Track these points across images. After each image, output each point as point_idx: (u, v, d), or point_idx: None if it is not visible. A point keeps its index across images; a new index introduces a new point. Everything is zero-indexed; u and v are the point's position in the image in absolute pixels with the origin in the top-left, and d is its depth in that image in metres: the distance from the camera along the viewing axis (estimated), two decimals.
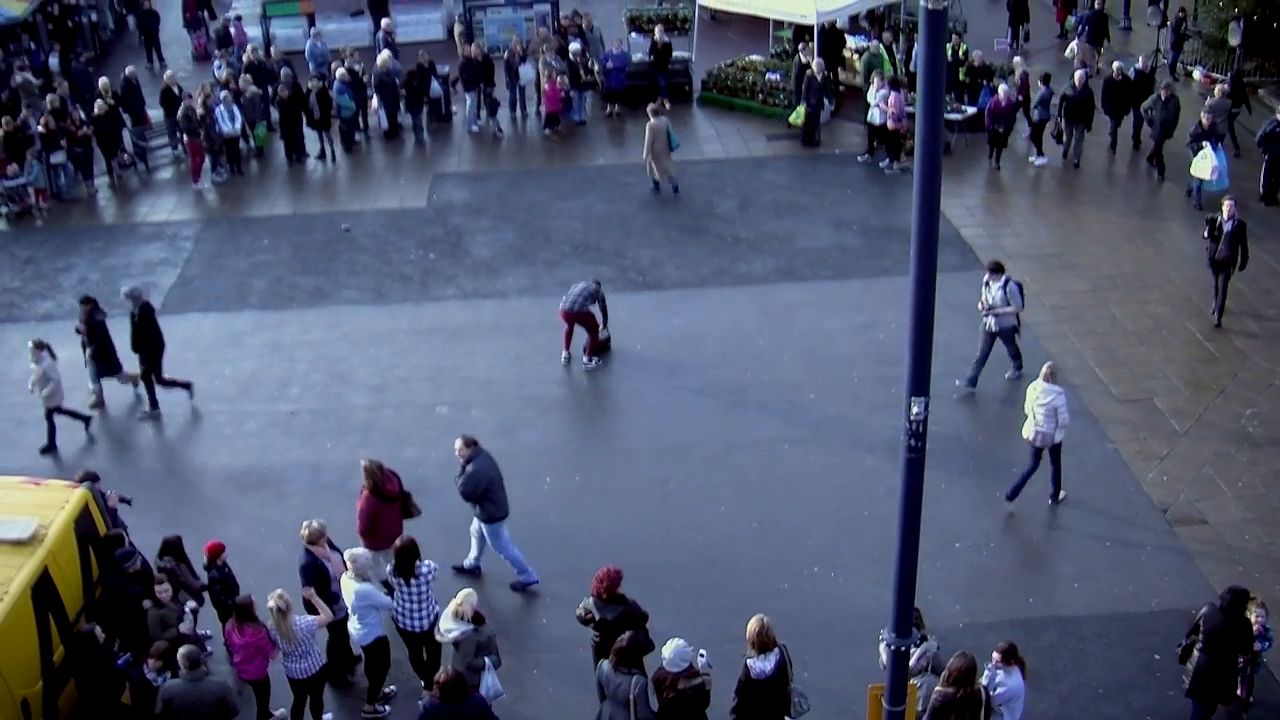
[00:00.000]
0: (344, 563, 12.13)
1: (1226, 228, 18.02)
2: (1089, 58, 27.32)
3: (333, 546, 12.57)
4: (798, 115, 25.56)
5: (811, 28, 27.12)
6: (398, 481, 13.47)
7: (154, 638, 11.66)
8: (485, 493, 13.42)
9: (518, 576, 13.88)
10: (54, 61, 29.74)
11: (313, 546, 12.25)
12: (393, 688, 12.63)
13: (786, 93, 27.23)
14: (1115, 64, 24.28)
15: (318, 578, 12.16)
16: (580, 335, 18.11)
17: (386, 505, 13.18)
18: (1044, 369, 14.71)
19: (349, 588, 11.95)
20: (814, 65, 25.18)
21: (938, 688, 10.43)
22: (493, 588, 13.83)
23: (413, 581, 12.02)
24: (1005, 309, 16.65)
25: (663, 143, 23.43)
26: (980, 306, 16.82)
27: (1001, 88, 23.95)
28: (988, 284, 16.75)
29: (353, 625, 12.14)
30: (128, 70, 26.37)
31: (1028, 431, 14.69)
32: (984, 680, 10.68)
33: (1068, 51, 28.74)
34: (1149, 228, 21.89)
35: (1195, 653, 11.43)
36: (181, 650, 10.99)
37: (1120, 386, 17.24)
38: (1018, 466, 15.59)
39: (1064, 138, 24.21)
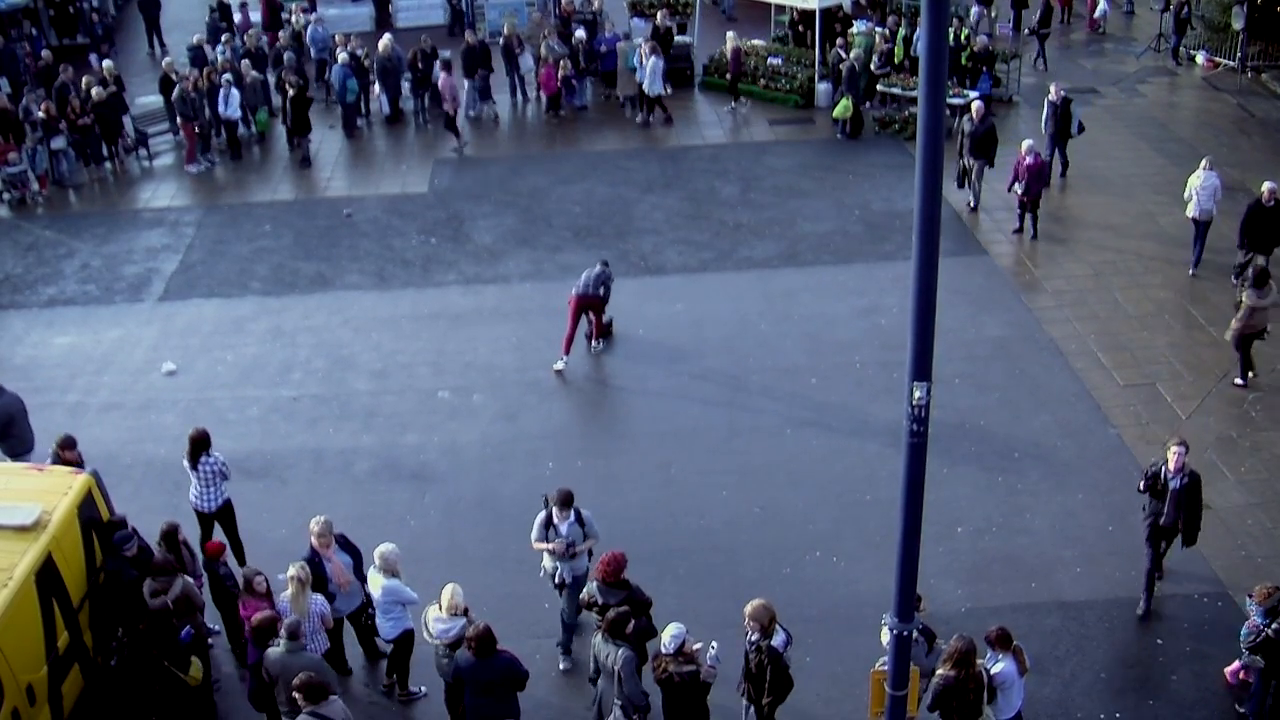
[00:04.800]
0: (349, 568, 12.12)
1: (1173, 484, 12.68)
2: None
3: (347, 545, 12.45)
4: (844, 109, 25.21)
5: (812, 13, 27.12)
6: None
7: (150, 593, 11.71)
8: (4, 430, 14.77)
9: None
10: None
11: (315, 542, 12.15)
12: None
13: (789, 77, 27.20)
14: (1267, 185, 18.32)
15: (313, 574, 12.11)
16: (582, 332, 18.05)
17: None
18: (1204, 161, 19.44)
19: (376, 582, 11.84)
20: (852, 56, 25.07)
21: (939, 671, 10.46)
22: (496, 573, 13.85)
23: (199, 466, 13.46)
24: (579, 547, 12.51)
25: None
26: (546, 554, 12.61)
27: (1025, 143, 20.62)
28: (553, 522, 12.48)
29: (380, 620, 12.07)
30: None
31: (1191, 210, 19.42)
32: (985, 661, 10.71)
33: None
34: (1151, 212, 21.85)
35: (1270, 633, 11.16)
36: (286, 621, 11.04)
37: (1123, 371, 17.23)
38: (1020, 451, 15.65)
39: (964, 176, 21.82)
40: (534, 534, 12.56)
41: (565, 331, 17.76)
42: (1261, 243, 18.38)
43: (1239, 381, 16.85)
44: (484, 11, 31.37)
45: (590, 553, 12.58)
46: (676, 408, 16.91)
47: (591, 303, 17.75)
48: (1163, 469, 12.73)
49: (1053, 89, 22.46)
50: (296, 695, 10.25)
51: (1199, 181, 19.25)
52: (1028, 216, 21.02)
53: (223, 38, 28.08)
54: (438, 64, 25.90)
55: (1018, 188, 20.70)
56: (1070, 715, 11.98)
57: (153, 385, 17.89)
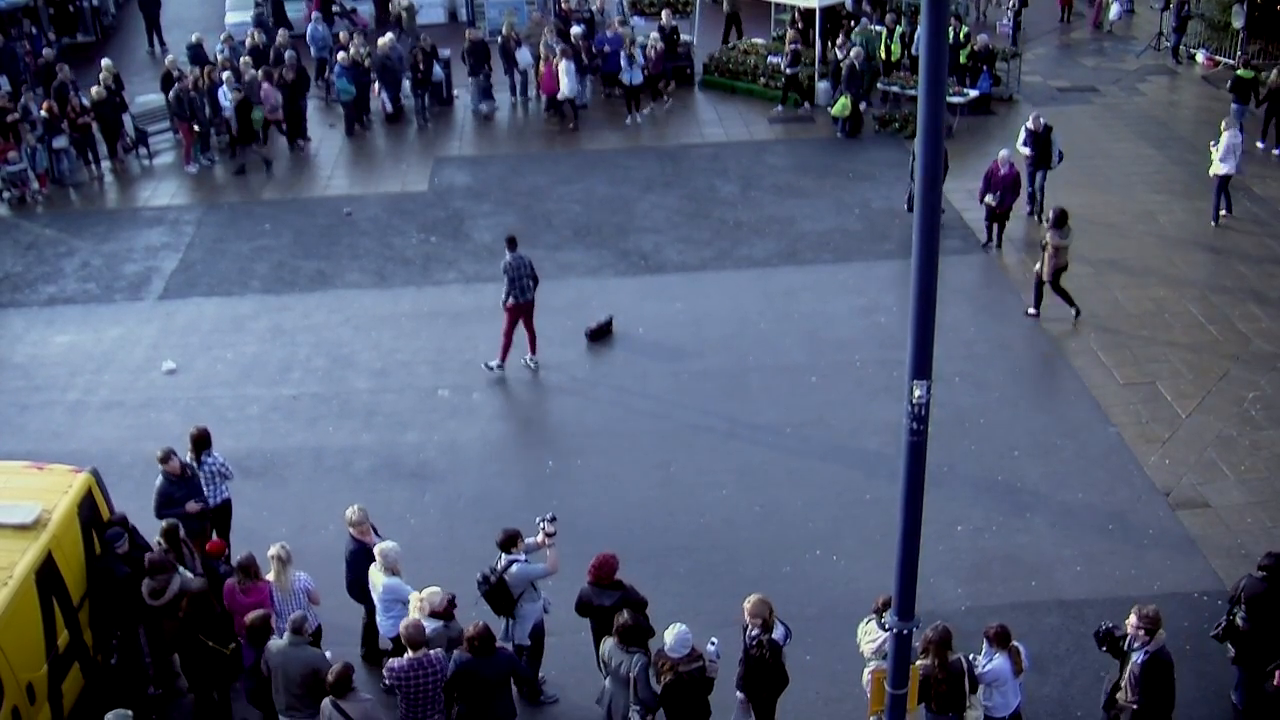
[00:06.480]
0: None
1: (1135, 658, 10.36)
2: None
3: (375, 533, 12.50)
4: (842, 108, 25.16)
5: (812, 12, 27.11)
6: None
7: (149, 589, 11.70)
8: None
9: None
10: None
11: (356, 531, 12.17)
12: None
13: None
14: None
15: (367, 562, 12.09)
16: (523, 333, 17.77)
17: None
18: (1224, 122, 20.80)
19: (377, 580, 11.81)
20: (853, 54, 25.06)
21: (918, 662, 10.43)
22: None
23: (203, 464, 13.49)
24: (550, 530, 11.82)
25: None
26: (509, 619, 11.89)
27: (1002, 153, 19.94)
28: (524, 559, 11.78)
29: (380, 619, 12.03)
30: None
31: (1215, 169, 20.55)
32: (980, 657, 10.70)
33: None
34: (1152, 211, 21.85)
35: (1238, 622, 11.32)
36: (292, 616, 11.05)
37: (1122, 370, 17.23)
38: (1020, 450, 15.64)
39: (913, 201, 20.82)
40: (539, 569, 11.71)
41: (501, 342, 17.39)
42: None
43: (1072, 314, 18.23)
44: (484, 10, 31.37)
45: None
46: (676, 406, 16.91)
47: (531, 306, 17.35)
48: (1115, 628, 10.79)
49: (1031, 118, 21.07)
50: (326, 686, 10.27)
51: (1229, 141, 20.39)
52: (994, 227, 20.36)
53: (221, 36, 28.05)
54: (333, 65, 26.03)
55: (990, 199, 19.98)
56: (1070, 714, 11.98)
57: (153, 384, 17.88)
